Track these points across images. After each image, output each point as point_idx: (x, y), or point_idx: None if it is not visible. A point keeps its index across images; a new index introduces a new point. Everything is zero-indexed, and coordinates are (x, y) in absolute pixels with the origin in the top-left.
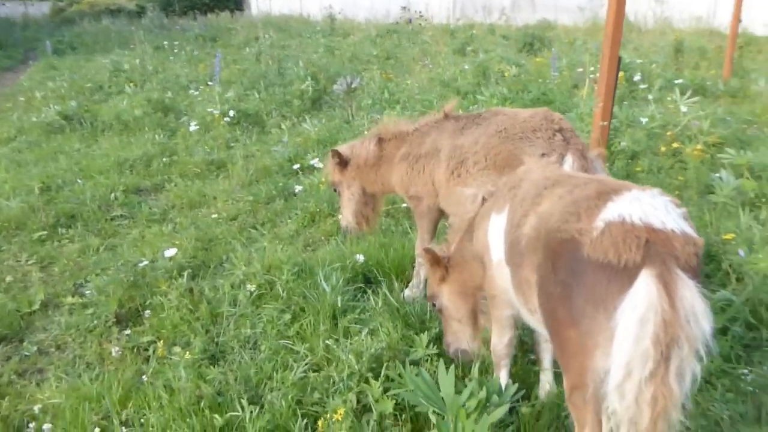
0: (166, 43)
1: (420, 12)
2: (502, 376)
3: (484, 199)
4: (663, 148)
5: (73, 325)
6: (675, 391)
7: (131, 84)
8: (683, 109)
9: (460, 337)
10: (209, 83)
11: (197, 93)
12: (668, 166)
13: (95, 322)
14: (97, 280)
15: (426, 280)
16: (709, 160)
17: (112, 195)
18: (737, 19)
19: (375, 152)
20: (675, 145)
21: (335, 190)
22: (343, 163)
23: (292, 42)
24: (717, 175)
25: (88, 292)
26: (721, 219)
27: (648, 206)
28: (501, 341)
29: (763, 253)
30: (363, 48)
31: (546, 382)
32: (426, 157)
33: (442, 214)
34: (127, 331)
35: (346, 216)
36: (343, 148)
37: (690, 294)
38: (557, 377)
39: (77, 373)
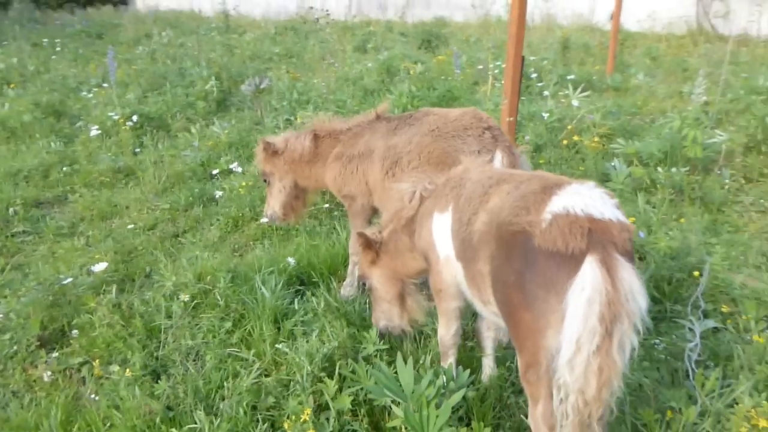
0: (45, 40)
1: (327, 10)
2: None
3: (422, 198)
4: (565, 141)
5: None
6: (618, 362)
7: (11, 86)
8: (575, 103)
9: (389, 315)
10: (104, 85)
11: (91, 95)
12: (569, 157)
13: (15, 347)
14: (11, 302)
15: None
16: (602, 150)
17: (10, 210)
18: (618, 17)
19: (310, 148)
20: (576, 138)
21: (265, 180)
22: (273, 153)
23: (186, 40)
24: (612, 164)
25: (0, 315)
26: (621, 205)
27: (587, 198)
28: (448, 332)
29: (660, 233)
30: (263, 46)
31: (488, 367)
32: (359, 157)
33: (375, 212)
34: (54, 354)
35: (273, 206)
36: (276, 140)
37: (628, 275)
38: (497, 361)
39: (1, 404)
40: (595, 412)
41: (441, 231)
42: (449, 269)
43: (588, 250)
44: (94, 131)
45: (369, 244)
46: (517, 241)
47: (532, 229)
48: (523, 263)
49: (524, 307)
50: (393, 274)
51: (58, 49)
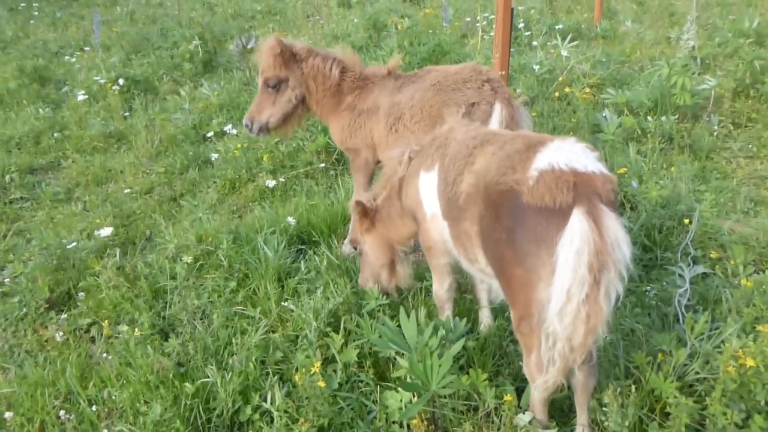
0: (22, 4)
1: None
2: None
3: (410, 159)
4: (557, 94)
5: (0, 315)
6: (604, 309)
7: None
8: (564, 53)
9: (377, 278)
10: (85, 48)
11: (74, 59)
12: (560, 109)
13: (25, 309)
14: (18, 267)
15: None
16: (593, 101)
17: (6, 177)
18: None
19: (336, 79)
20: (568, 90)
21: (274, 86)
22: (291, 57)
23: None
24: (603, 114)
25: (6, 280)
26: (612, 155)
27: (570, 153)
28: (442, 287)
29: (650, 183)
30: (245, 3)
31: (485, 317)
32: (367, 113)
33: (378, 166)
34: (63, 315)
35: (271, 114)
36: (296, 44)
37: (613, 224)
38: (494, 313)
39: (17, 362)
40: (579, 358)
41: (427, 189)
42: (436, 226)
43: (575, 203)
44: (81, 96)
45: (365, 213)
46: (505, 200)
47: (519, 187)
48: (513, 221)
49: (516, 263)
50: (385, 240)
51: (35, 13)
